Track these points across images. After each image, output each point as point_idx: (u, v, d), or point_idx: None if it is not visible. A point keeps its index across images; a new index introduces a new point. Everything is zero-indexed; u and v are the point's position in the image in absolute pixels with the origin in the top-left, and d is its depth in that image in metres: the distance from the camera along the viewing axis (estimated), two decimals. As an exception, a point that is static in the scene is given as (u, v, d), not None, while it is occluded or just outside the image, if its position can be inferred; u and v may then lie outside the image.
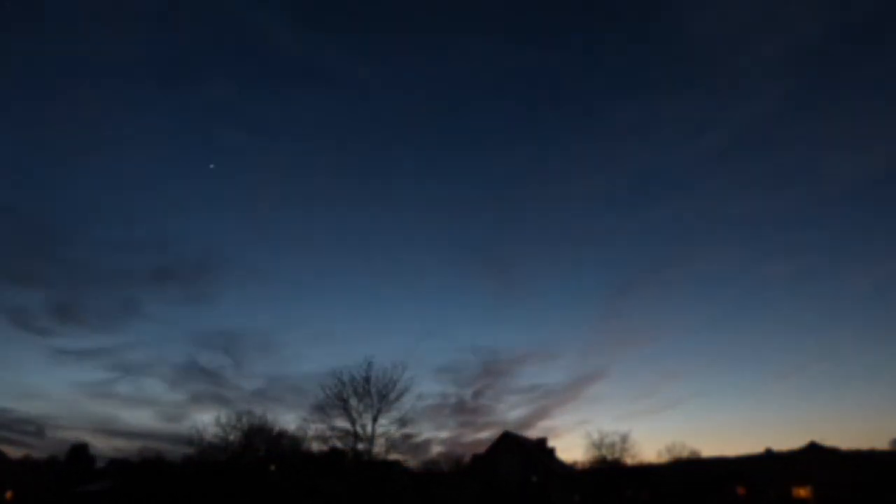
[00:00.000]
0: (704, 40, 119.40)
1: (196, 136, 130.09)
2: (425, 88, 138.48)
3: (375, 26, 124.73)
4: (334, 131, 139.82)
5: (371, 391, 37.00)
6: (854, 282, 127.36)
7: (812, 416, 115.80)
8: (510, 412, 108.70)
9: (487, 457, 58.08)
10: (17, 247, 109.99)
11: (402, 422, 37.15)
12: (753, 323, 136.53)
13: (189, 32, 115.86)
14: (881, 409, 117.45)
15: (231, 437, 43.90)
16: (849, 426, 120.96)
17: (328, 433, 37.32)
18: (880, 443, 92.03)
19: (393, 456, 39.05)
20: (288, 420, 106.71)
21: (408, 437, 37.87)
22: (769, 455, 65.19)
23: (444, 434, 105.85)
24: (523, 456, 57.14)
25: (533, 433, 74.33)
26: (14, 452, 67.06)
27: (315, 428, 38.04)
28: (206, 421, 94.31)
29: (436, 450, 64.66)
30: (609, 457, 57.97)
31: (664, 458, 63.25)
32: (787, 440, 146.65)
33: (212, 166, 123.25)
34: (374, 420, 37.02)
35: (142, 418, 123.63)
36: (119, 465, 64.43)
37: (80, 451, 72.04)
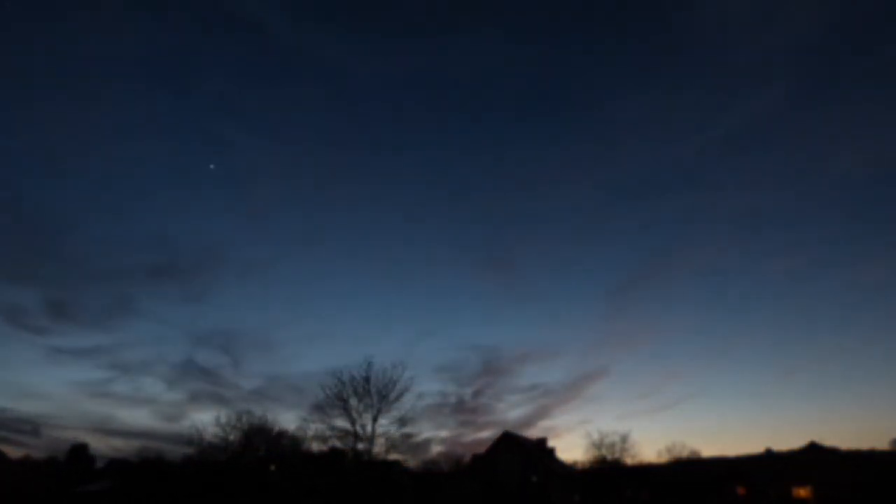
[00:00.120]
0: (706, 36, 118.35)
1: (192, 132, 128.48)
2: (425, 85, 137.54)
3: (376, 22, 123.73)
4: (333, 127, 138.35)
5: (371, 391, 37.05)
6: (855, 280, 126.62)
7: (812, 416, 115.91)
8: (510, 411, 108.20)
9: (487, 457, 58.07)
10: (11, 244, 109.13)
11: (402, 421, 37.22)
12: (754, 321, 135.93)
13: (185, 27, 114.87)
14: (881, 409, 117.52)
15: (231, 437, 43.96)
16: (849, 426, 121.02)
17: (328, 433, 37.37)
18: (880, 443, 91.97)
19: (393, 456, 39.07)
20: (287, 419, 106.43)
21: (408, 436, 37.91)
22: (769, 455, 65.22)
23: (443, 433, 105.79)
24: (523, 456, 57.12)
25: (533, 433, 74.43)
26: (13, 452, 67.19)
27: (315, 428, 38.08)
28: (205, 420, 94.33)
29: (436, 449, 64.72)
30: (609, 457, 58.04)
31: (664, 458, 63.38)
32: (787, 440, 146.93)
33: (212, 167, 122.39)
34: (374, 420, 37.08)
35: (140, 418, 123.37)
36: (119, 465, 64.41)
37: (79, 452, 72.04)
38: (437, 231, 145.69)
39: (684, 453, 63.41)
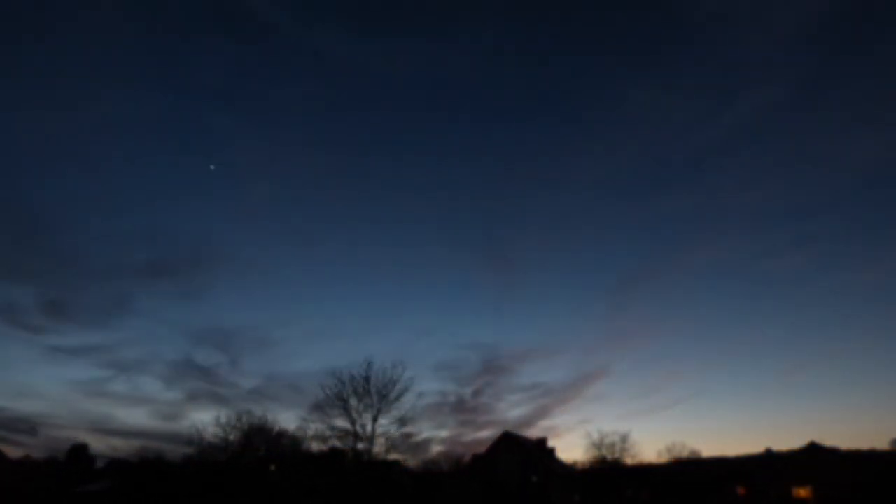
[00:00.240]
0: (708, 29, 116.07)
1: (190, 129, 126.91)
2: (423, 83, 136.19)
3: (376, 10, 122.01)
4: (332, 124, 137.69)
5: (371, 391, 37.06)
6: (855, 280, 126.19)
7: (812, 416, 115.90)
8: (510, 411, 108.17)
9: (487, 456, 58.06)
10: (6, 241, 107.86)
11: (402, 421, 37.24)
12: (754, 321, 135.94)
13: (182, 22, 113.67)
14: (881, 409, 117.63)
15: (231, 437, 43.96)
16: (849, 426, 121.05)
17: (328, 433, 37.40)
18: (880, 443, 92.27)
19: (393, 456, 39.11)
20: (286, 419, 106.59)
21: (408, 436, 37.98)
22: (769, 455, 65.24)
23: (443, 433, 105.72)
24: (523, 456, 57.12)
25: (534, 432, 74.43)
26: (11, 452, 67.10)
27: (315, 428, 38.13)
28: (203, 420, 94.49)
29: (436, 449, 64.63)
30: (609, 457, 58.11)
31: (664, 458, 63.43)
32: (787, 440, 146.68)
33: (212, 167, 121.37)
34: (374, 420, 37.08)
35: (138, 417, 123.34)
36: (119, 465, 64.35)
37: (79, 452, 71.96)
38: (436, 229, 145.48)
39: (684, 453, 63.55)
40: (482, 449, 61.01)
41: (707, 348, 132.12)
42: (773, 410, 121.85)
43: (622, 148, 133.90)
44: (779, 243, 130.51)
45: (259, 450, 45.08)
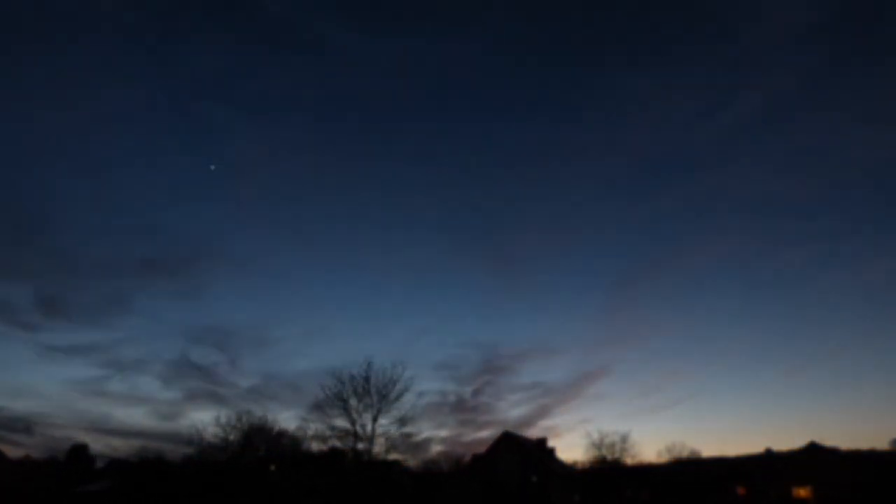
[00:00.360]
0: (719, 10, 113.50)
1: (184, 119, 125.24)
2: (422, 73, 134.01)
3: (375, 9, 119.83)
4: (330, 119, 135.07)
5: (371, 391, 37.11)
6: (855, 279, 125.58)
7: (812, 416, 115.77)
8: (511, 411, 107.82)
9: (487, 456, 58.05)
10: (0, 238, 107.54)
11: (402, 421, 37.30)
12: (756, 319, 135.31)
13: (177, 10, 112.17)
14: (881, 409, 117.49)
15: (231, 437, 43.96)
16: (849, 426, 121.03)
17: (328, 433, 37.48)
18: (880, 443, 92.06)
19: (393, 456, 39.16)
20: (285, 418, 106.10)
21: (407, 436, 38.03)
22: (769, 455, 65.26)
23: (443, 433, 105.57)
24: (523, 456, 57.12)
25: (534, 432, 74.50)
26: (10, 451, 67.00)
27: (315, 428, 38.18)
28: (202, 419, 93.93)
29: (435, 449, 64.60)
30: (609, 457, 58.09)
31: (664, 458, 63.39)
32: (787, 440, 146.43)
33: (212, 167, 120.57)
34: (374, 420, 37.14)
35: (136, 417, 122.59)
36: (119, 465, 64.33)
37: (79, 452, 71.98)
38: (435, 227, 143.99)
39: (684, 453, 63.49)
40: (482, 449, 61.06)
41: (707, 348, 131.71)
42: (773, 410, 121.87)
43: (622, 146, 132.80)
44: (780, 240, 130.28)
45: (259, 450, 45.09)
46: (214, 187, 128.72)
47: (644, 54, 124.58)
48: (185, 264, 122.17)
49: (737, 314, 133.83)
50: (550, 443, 67.37)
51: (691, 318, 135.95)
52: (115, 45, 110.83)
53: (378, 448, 37.39)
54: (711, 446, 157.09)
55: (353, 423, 36.88)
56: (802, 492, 52.74)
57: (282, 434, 46.23)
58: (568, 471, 65.29)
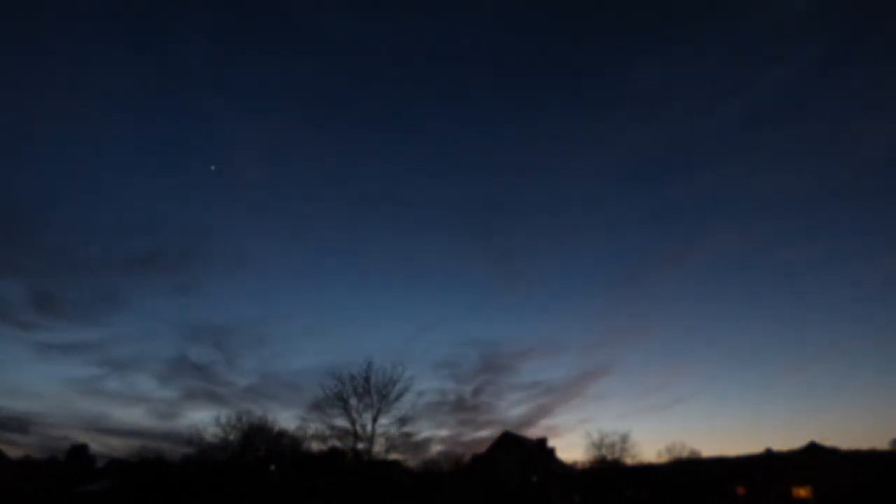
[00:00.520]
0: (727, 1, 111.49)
1: (177, 111, 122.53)
2: (421, 63, 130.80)
3: None
4: (328, 114, 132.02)
5: (371, 391, 37.11)
6: (856, 279, 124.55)
7: (812, 416, 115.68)
8: (511, 410, 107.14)
9: (487, 456, 58.09)
10: None
11: (403, 421, 37.32)
12: (756, 318, 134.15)
13: None
14: (881, 409, 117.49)
15: (231, 437, 43.98)
16: (849, 426, 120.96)
17: (328, 433, 37.50)
18: (880, 443, 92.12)
19: (393, 455, 39.17)
20: (283, 417, 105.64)
21: (407, 436, 38.02)
22: (769, 455, 65.29)
23: (443, 433, 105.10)
24: (523, 456, 57.15)
25: (534, 432, 74.55)
26: (7, 450, 66.90)
27: (314, 427, 38.19)
28: (200, 419, 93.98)
29: (435, 449, 64.51)
30: (609, 457, 58.08)
31: (664, 458, 63.35)
32: (787, 440, 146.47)
33: (213, 167, 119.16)
34: (374, 420, 37.16)
35: (133, 416, 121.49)
36: (119, 466, 64.36)
37: (79, 452, 71.98)
38: (435, 223, 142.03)
39: (684, 453, 63.43)
40: (482, 449, 61.14)
41: (708, 346, 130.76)
42: (773, 410, 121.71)
43: (623, 143, 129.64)
44: (780, 240, 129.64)
45: (259, 450, 45.10)
46: (211, 182, 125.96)
47: (646, 49, 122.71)
48: (181, 261, 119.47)
49: (737, 314, 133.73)
50: (550, 443, 67.52)
51: (693, 315, 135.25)
52: (101, 33, 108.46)
53: (378, 448, 37.45)
54: (711, 446, 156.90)
55: (353, 422, 36.94)
56: (802, 492, 52.75)
57: (282, 434, 46.29)
58: (568, 471, 65.31)
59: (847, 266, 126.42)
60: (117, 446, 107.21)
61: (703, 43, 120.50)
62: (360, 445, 37.16)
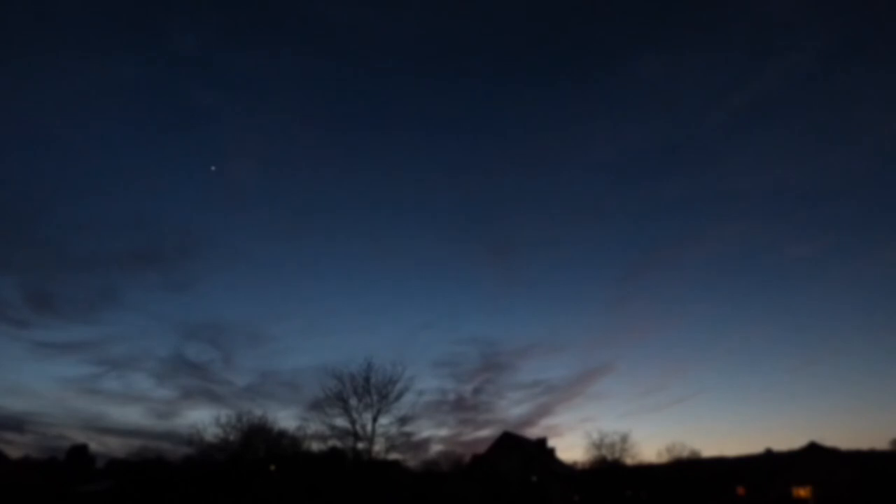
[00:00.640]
0: None
1: (171, 104, 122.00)
2: (424, 62, 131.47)
3: None
4: (327, 101, 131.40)
5: (371, 390, 37.13)
6: (856, 278, 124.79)
7: (812, 416, 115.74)
8: (511, 409, 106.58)
9: (487, 456, 58.06)
10: None
11: (403, 421, 37.38)
12: (756, 318, 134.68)
13: None
14: (881, 409, 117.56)
15: (231, 437, 43.93)
16: (849, 426, 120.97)
17: (328, 433, 37.58)
18: (880, 443, 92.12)
19: (393, 455, 39.28)
20: (282, 417, 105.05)
21: (407, 435, 38.12)
22: (769, 455, 65.32)
23: (443, 432, 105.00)
24: (523, 456, 57.13)
25: (535, 431, 74.61)
26: (7, 450, 66.88)
27: (314, 427, 38.25)
28: (199, 418, 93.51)
29: (435, 448, 64.44)
30: (609, 457, 58.07)
31: (664, 458, 63.33)
32: (787, 440, 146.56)
33: (213, 168, 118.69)
34: (374, 419, 37.21)
35: (132, 415, 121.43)
36: (119, 465, 64.42)
37: (79, 452, 71.98)
38: (433, 218, 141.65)
39: (684, 453, 63.35)
40: (482, 448, 61.09)
41: (708, 346, 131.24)
42: (773, 410, 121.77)
43: (626, 136, 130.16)
44: (784, 237, 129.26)
45: (259, 450, 45.08)
46: (208, 180, 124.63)
47: (645, 45, 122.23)
48: (178, 258, 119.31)
49: (737, 313, 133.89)
50: (551, 442, 67.60)
51: (692, 316, 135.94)
52: (89, 19, 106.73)
53: (378, 448, 37.51)
54: (711, 446, 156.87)
55: (352, 422, 36.98)
56: (802, 492, 52.73)
57: (282, 434, 46.24)
58: (568, 471, 65.31)
59: (848, 264, 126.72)
60: (116, 446, 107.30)
61: (703, 38, 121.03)
62: (360, 445, 37.25)
